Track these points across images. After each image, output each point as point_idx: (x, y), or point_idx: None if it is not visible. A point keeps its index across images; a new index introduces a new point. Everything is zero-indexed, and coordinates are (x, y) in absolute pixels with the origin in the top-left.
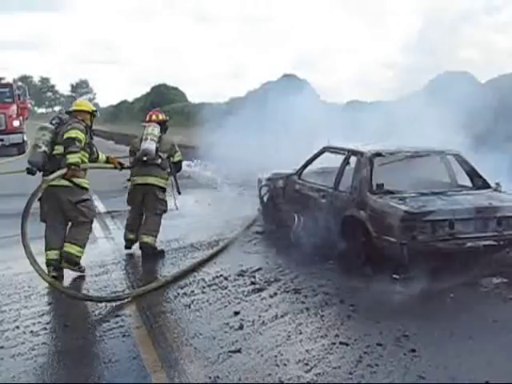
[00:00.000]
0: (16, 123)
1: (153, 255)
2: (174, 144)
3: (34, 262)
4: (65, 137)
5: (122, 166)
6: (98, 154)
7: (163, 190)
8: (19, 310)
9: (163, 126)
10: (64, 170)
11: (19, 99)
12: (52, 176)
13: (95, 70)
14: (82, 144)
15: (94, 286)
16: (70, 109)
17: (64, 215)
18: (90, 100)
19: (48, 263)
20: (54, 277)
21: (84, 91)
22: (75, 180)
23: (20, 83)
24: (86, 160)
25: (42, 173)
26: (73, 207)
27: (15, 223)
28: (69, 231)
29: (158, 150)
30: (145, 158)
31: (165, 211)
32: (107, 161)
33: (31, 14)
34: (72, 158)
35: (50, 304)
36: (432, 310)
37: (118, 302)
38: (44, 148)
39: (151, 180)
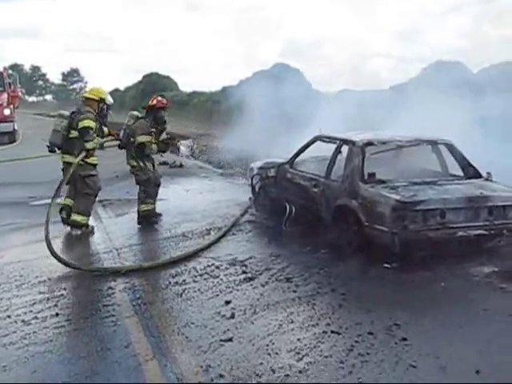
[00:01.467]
0: (7, 112)
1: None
2: (136, 128)
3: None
4: (79, 126)
5: (118, 137)
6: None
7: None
8: (10, 299)
9: (152, 112)
10: (84, 154)
11: (10, 88)
12: (77, 160)
13: (87, 59)
14: (94, 130)
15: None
16: (83, 96)
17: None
18: (81, 89)
19: (63, 208)
20: (63, 219)
21: (75, 80)
22: (87, 159)
23: (11, 71)
24: (97, 141)
25: (60, 150)
26: (81, 180)
27: (8, 212)
28: (75, 202)
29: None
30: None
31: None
32: (109, 133)
33: (22, 1)
34: (89, 145)
35: (41, 293)
36: (423, 299)
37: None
38: (62, 132)
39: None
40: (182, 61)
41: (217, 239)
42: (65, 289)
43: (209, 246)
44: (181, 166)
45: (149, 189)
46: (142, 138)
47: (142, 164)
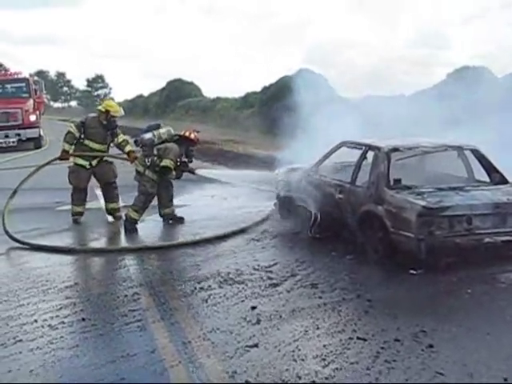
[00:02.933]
0: (33, 118)
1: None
2: (170, 151)
3: None
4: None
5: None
6: (117, 140)
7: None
8: (37, 304)
9: (185, 142)
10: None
11: (35, 94)
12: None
13: (111, 65)
14: (73, 135)
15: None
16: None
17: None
18: (106, 95)
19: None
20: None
21: (100, 86)
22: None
23: (36, 78)
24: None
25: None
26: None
27: (33, 217)
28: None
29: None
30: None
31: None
32: (128, 154)
33: (47, 9)
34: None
35: (67, 298)
36: (450, 305)
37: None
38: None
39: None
40: (205, 67)
41: (229, 233)
42: (91, 294)
43: (219, 237)
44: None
45: (146, 203)
46: (169, 163)
47: (151, 176)
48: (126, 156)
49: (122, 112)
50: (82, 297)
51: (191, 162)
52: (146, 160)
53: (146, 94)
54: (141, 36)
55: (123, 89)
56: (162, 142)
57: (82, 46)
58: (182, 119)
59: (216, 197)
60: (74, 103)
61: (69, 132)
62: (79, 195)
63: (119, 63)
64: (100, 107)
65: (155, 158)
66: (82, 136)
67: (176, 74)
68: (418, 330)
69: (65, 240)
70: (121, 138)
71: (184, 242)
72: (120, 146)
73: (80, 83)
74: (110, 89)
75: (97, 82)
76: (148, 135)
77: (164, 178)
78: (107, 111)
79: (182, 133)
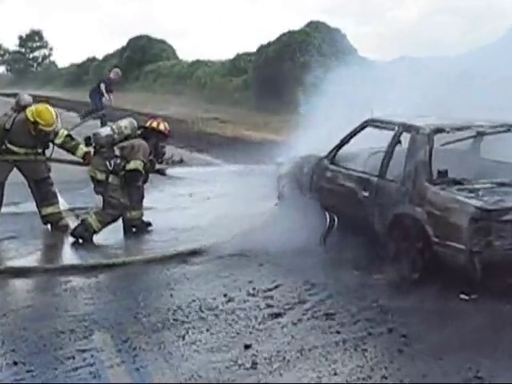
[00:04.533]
0: None
1: None
2: (138, 150)
3: None
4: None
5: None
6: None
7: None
8: None
9: (153, 136)
10: None
11: None
12: None
13: (52, 18)
14: None
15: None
16: None
17: None
18: (45, 57)
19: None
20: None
21: (37, 45)
22: None
23: None
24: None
25: None
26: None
27: None
28: None
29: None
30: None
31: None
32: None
33: None
34: None
35: None
36: None
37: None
38: None
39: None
40: (180, 21)
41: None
42: (25, 328)
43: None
44: (181, 161)
45: (117, 218)
46: (139, 165)
47: (118, 183)
48: (78, 160)
49: (57, 125)
50: (13, 333)
51: (161, 161)
52: (108, 164)
53: (100, 55)
54: None
55: (69, 49)
56: (125, 139)
57: None
58: (150, 90)
59: (195, 196)
60: (1, 69)
61: None
62: None
63: (63, 15)
64: (28, 113)
65: (118, 161)
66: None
67: (141, 29)
68: (472, 376)
69: None
70: (61, 135)
71: (152, 258)
72: (66, 148)
73: (10, 42)
74: (51, 49)
75: (32, 40)
76: (105, 131)
77: (131, 183)
78: (36, 122)
79: (147, 124)
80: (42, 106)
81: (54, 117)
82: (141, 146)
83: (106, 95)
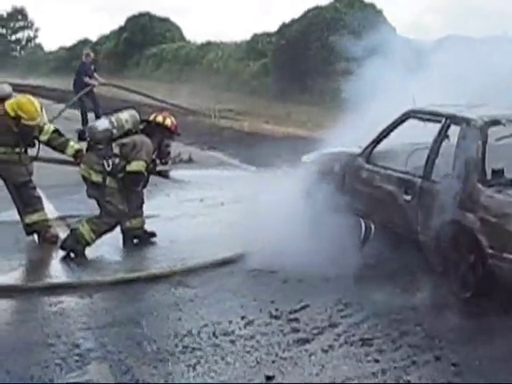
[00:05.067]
0: None
1: None
2: (141, 148)
3: None
4: None
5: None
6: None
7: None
8: None
9: (158, 132)
10: None
11: None
12: None
13: None
14: None
15: None
16: None
17: None
18: (30, 39)
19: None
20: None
21: (19, 26)
22: None
23: None
24: None
25: None
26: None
27: None
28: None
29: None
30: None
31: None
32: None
33: None
34: None
35: None
36: None
37: None
38: None
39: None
40: None
41: (227, 259)
42: (7, 358)
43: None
44: (190, 160)
45: (114, 227)
46: (141, 166)
47: (115, 186)
48: (69, 159)
49: (42, 119)
50: None
51: (166, 162)
52: (105, 163)
53: (93, 37)
54: None
55: (57, 30)
56: (125, 134)
57: None
58: (153, 77)
59: (207, 201)
60: None
61: None
62: None
63: None
64: (7, 107)
65: (117, 160)
66: None
67: (141, 6)
68: None
69: None
70: (47, 131)
71: (157, 274)
72: (54, 145)
73: None
74: (36, 30)
75: (15, 19)
76: (102, 125)
77: (131, 188)
78: (18, 117)
79: (151, 118)
80: (23, 98)
81: (39, 109)
82: (144, 143)
83: (90, 81)
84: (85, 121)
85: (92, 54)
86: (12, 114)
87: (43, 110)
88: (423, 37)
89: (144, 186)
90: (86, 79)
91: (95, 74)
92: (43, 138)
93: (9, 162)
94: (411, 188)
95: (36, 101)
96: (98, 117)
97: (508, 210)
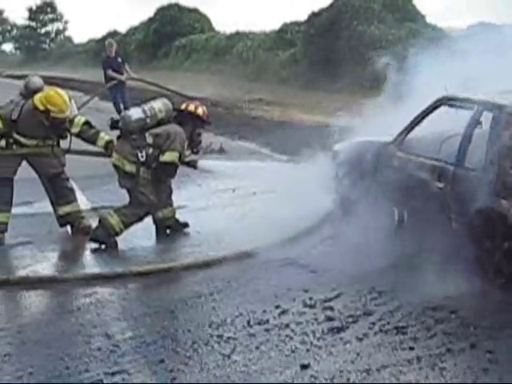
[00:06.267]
0: None
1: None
2: (174, 138)
3: None
4: None
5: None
6: None
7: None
8: None
9: (189, 122)
10: None
11: None
12: None
13: None
14: None
15: None
16: None
17: None
18: (59, 32)
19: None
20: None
21: (49, 18)
22: None
23: None
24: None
25: None
26: None
27: None
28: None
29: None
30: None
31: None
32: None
33: None
34: None
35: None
36: None
37: None
38: None
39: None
40: None
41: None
42: (44, 348)
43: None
44: (221, 150)
45: (143, 217)
46: (174, 157)
47: (148, 176)
48: (100, 151)
49: (74, 110)
50: (31, 353)
51: (198, 152)
52: (139, 154)
53: (123, 29)
54: None
55: (86, 23)
56: (158, 124)
57: None
58: (182, 68)
59: (239, 191)
60: (8, 46)
61: None
62: (1, 193)
63: None
64: (36, 101)
65: (151, 150)
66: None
67: None
68: None
69: None
70: (78, 123)
71: (191, 264)
72: (85, 137)
73: (18, 15)
74: (66, 23)
75: (44, 12)
76: (136, 114)
77: (164, 178)
78: (47, 110)
79: (182, 107)
80: (51, 91)
81: (67, 101)
82: (177, 133)
83: (116, 75)
84: (119, 112)
85: (115, 46)
86: (41, 107)
87: (72, 101)
88: (453, 23)
89: (172, 176)
90: (110, 72)
91: (126, 66)
92: (74, 130)
93: (41, 154)
94: (444, 175)
95: (64, 93)
96: (126, 109)
97: None
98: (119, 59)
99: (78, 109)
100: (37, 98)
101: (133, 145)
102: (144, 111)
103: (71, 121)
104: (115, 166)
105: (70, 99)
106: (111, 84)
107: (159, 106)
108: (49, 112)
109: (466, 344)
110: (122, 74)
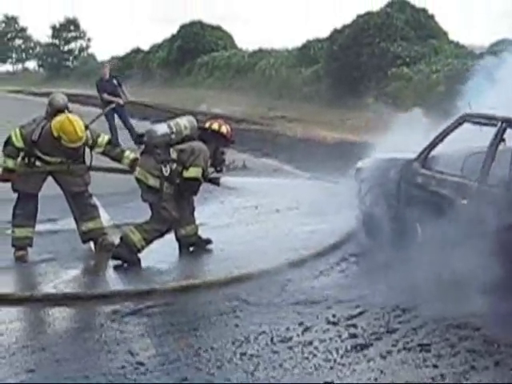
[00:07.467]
0: None
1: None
2: (199, 155)
3: None
4: None
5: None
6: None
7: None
8: None
9: (213, 139)
10: None
11: None
12: None
13: (90, 5)
14: (15, 146)
15: None
16: None
17: None
18: (82, 49)
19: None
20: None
21: (72, 36)
22: None
23: None
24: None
25: None
26: None
27: None
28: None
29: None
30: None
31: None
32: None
33: None
34: None
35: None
36: None
37: None
38: None
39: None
40: (237, 3)
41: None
42: (67, 366)
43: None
44: (244, 167)
45: (164, 234)
46: (198, 172)
47: (171, 192)
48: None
49: (82, 138)
50: (55, 370)
51: (221, 170)
52: (163, 169)
53: (146, 47)
54: None
55: (110, 40)
56: (182, 140)
57: None
58: (204, 85)
59: (262, 208)
60: (32, 64)
61: (9, 140)
62: (25, 208)
63: (103, 2)
64: (53, 125)
65: (174, 165)
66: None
67: (194, 15)
68: None
69: (8, 284)
70: (101, 144)
71: (213, 281)
72: (109, 156)
73: (42, 33)
74: (89, 40)
75: (67, 30)
76: (161, 129)
77: (187, 194)
78: (59, 137)
79: (206, 125)
80: (67, 119)
81: (81, 131)
82: (201, 150)
83: (110, 98)
84: (114, 137)
85: (108, 67)
86: (55, 133)
87: (89, 128)
88: (475, 41)
89: (195, 193)
90: (106, 96)
91: (123, 88)
92: (98, 150)
93: (65, 172)
94: (467, 192)
95: (80, 122)
96: (128, 129)
97: None
98: (114, 81)
99: (91, 123)
100: (54, 122)
101: (157, 159)
102: (170, 126)
103: (94, 141)
104: (138, 180)
105: (86, 126)
106: (109, 108)
107: (184, 122)
108: (61, 139)
109: (490, 362)
110: (118, 95)
